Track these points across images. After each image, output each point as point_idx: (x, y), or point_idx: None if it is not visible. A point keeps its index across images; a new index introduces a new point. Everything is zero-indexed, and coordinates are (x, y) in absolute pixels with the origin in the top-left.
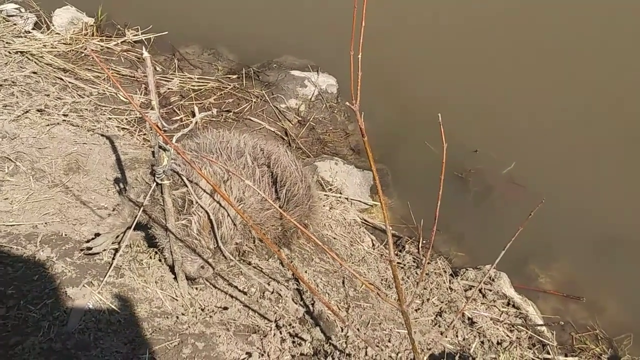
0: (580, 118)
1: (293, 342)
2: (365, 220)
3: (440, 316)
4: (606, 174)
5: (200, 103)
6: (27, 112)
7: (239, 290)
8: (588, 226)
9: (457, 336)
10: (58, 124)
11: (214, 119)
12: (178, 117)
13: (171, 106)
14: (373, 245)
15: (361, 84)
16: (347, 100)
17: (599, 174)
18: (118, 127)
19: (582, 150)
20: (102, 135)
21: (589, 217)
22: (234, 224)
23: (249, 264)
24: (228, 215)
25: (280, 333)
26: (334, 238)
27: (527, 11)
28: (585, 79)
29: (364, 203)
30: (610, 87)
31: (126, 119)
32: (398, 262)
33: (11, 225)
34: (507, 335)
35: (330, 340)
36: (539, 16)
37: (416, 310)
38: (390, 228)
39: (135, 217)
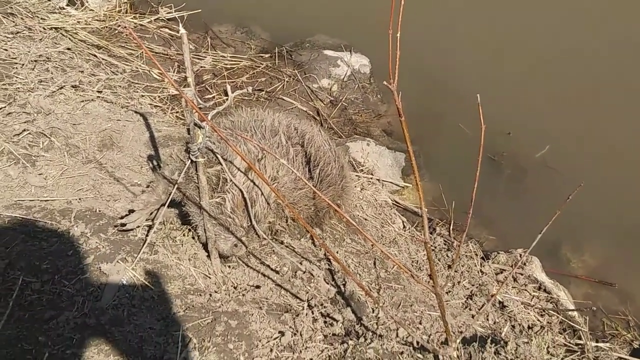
0: (616, 103)
1: (325, 322)
2: (396, 202)
3: (471, 299)
4: None
5: (233, 82)
6: (61, 87)
7: (272, 269)
8: (621, 211)
9: (487, 319)
10: (92, 100)
11: (246, 98)
12: (210, 96)
13: (204, 84)
14: (404, 227)
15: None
16: (380, 80)
17: (635, 157)
18: (151, 104)
19: (617, 135)
20: (136, 112)
21: (622, 202)
22: (268, 203)
23: (282, 243)
24: (262, 193)
25: (312, 313)
26: (365, 219)
27: None
28: (622, 63)
29: (396, 184)
30: None
31: (159, 96)
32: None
33: (45, 201)
34: (538, 320)
35: (361, 321)
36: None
37: (447, 292)
38: (425, 210)
39: (170, 195)
